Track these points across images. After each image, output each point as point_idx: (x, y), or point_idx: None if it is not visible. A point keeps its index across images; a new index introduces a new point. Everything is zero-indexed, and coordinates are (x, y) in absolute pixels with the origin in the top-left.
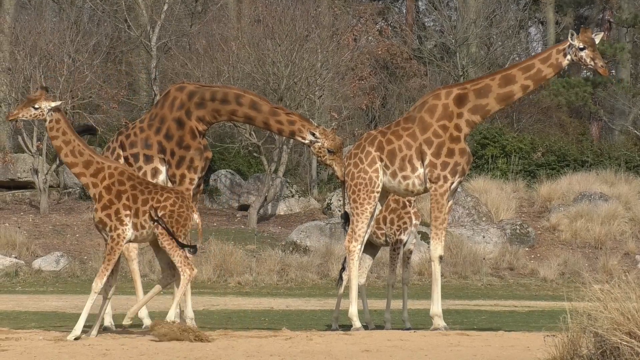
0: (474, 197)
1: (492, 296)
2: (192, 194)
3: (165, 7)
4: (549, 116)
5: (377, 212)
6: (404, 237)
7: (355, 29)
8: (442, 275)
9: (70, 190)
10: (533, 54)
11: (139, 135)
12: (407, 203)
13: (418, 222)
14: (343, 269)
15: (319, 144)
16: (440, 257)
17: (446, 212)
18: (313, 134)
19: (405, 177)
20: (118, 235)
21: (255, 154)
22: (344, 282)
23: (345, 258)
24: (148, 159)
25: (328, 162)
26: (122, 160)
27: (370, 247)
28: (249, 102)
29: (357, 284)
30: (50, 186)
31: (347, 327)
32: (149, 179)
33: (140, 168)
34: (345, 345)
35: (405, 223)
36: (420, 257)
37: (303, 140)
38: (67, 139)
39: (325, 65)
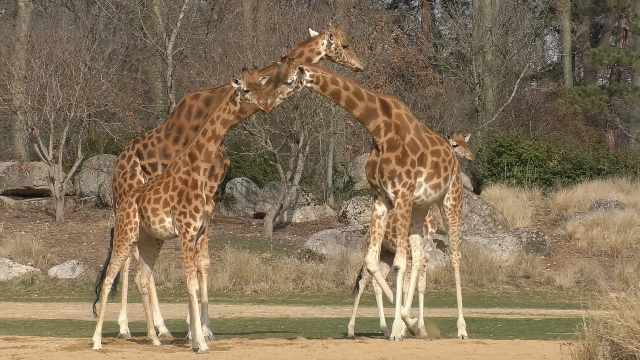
0: (489, 205)
1: (508, 304)
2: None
3: (181, 16)
4: (565, 124)
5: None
6: None
7: (371, 37)
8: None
9: (86, 198)
10: (549, 62)
11: (156, 145)
12: None
13: (434, 231)
14: (360, 277)
15: (334, 44)
16: (396, 268)
17: (372, 226)
18: (330, 36)
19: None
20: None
21: (271, 162)
22: (361, 291)
23: (362, 266)
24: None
25: (346, 59)
26: (138, 169)
27: (387, 255)
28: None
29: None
30: (66, 194)
31: (363, 334)
32: None
33: None
34: (361, 353)
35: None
36: (436, 265)
37: (319, 56)
38: None
39: (340, 72)
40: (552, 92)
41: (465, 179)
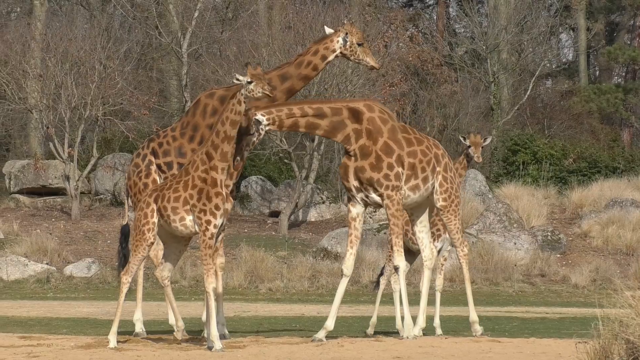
0: (505, 203)
1: (524, 303)
2: None
3: (196, 14)
4: (580, 122)
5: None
6: (438, 244)
7: (386, 35)
8: (473, 282)
9: (102, 196)
10: (564, 60)
11: (172, 144)
12: None
13: None
14: (381, 274)
15: (349, 42)
16: (395, 267)
17: (349, 228)
18: (345, 34)
19: None
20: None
21: (286, 160)
22: (382, 288)
23: (384, 265)
24: (182, 167)
25: (361, 57)
26: (153, 168)
27: (407, 254)
28: (278, 79)
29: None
30: (82, 192)
31: (382, 333)
32: None
33: None
34: (376, 351)
35: (439, 230)
36: (451, 264)
37: (334, 54)
38: None
39: (355, 72)
40: (568, 91)
41: (480, 178)
